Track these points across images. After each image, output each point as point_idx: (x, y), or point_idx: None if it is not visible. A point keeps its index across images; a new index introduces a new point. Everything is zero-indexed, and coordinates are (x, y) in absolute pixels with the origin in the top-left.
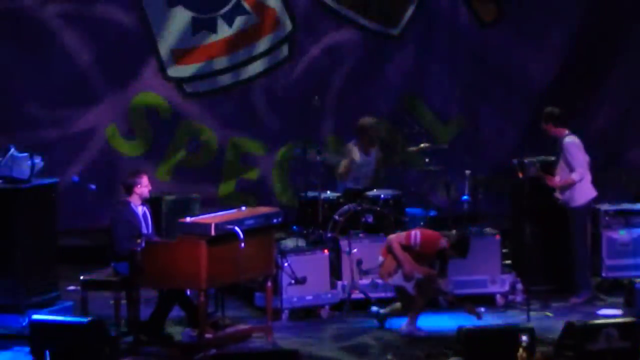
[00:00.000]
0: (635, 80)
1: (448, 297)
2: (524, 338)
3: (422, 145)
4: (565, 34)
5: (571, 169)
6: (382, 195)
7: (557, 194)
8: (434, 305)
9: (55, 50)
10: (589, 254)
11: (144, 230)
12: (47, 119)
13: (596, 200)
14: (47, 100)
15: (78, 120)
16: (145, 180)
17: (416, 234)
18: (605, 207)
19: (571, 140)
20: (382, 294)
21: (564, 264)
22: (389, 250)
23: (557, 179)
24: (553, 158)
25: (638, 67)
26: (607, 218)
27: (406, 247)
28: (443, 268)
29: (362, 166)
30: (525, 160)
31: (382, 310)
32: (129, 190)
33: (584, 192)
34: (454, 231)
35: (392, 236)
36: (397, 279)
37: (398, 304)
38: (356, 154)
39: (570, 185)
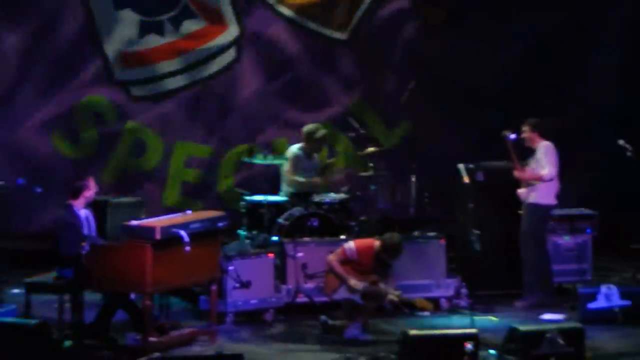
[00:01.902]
0: (583, 86)
1: (396, 296)
2: (469, 346)
3: (368, 149)
4: (515, 39)
5: (542, 167)
6: (327, 199)
7: (521, 190)
8: (378, 310)
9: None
10: (540, 259)
11: (86, 233)
12: None
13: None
14: None
15: (23, 123)
16: (92, 183)
17: (350, 245)
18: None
19: (548, 144)
20: (327, 299)
21: (509, 269)
22: (330, 270)
23: (526, 173)
24: (500, 163)
25: (588, 71)
26: (552, 223)
27: (345, 261)
28: (386, 272)
29: (306, 171)
30: (471, 165)
31: (330, 322)
32: (77, 194)
33: (546, 195)
34: (388, 234)
35: (329, 256)
36: (342, 293)
37: (346, 322)
38: (298, 158)
39: (536, 180)
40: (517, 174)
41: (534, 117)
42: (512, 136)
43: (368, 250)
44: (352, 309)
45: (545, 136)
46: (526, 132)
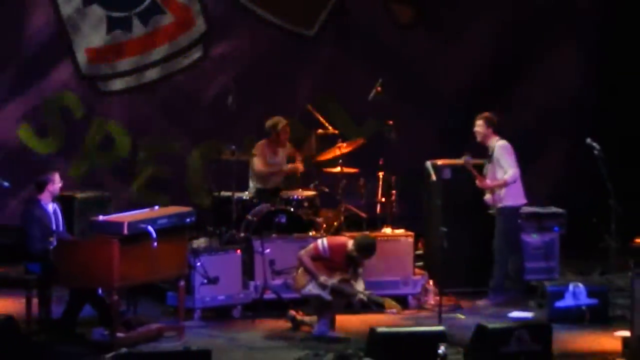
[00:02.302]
0: (551, 83)
1: (365, 295)
2: (442, 349)
3: (337, 146)
4: (483, 37)
5: (504, 171)
6: (295, 196)
7: (487, 197)
8: (346, 307)
9: None
10: (517, 259)
11: (54, 228)
12: None
13: None
14: None
15: None
16: (57, 177)
17: (323, 242)
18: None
19: (504, 143)
20: (294, 295)
21: (476, 266)
22: (300, 265)
23: (488, 182)
24: (461, 160)
25: (555, 68)
26: (519, 221)
27: (317, 258)
28: (355, 271)
29: (272, 165)
30: (440, 163)
31: (299, 317)
32: (41, 187)
33: (515, 195)
34: (361, 235)
35: (301, 252)
36: (311, 289)
37: (314, 319)
38: (265, 153)
39: (502, 186)
40: (479, 184)
41: (490, 112)
42: (471, 160)
43: (340, 248)
44: (320, 306)
45: (498, 132)
46: (480, 126)
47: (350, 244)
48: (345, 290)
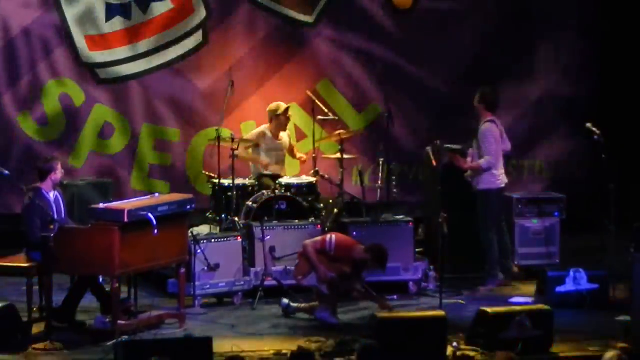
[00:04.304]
0: (552, 68)
1: (360, 292)
2: (455, 344)
3: (336, 132)
4: (482, 21)
5: (481, 156)
6: (295, 182)
7: (468, 176)
8: (345, 297)
9: None
10: (498, 242)
11: (55, 216)
12: None
13: (509, 188)
14: None
15: None
16: (59, 167)
17: (331, 238)
18: (518, 195)
19: (488, 127)
20: (295, 282)
21: (476, 252)
22: (303, 254)
23: (468, 161)
24: (459, 147)
25: (555, 52)
26: (520, 206)
27: (321, 251)
28: (358, 273)
29: (273, 150)
30: (439, 148)
31: (292, 304)
32: (44, 176)
33: (493, 179)
34: (372, 244)
35: (307, 241)
36: (310, 280)
37: (312, 304)
38: (266, 138)
39: (476, 170)
40: (457, 163)
41: (488, 87)
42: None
43: (347, 250)
44: (320, 295)
45: (490, 109)
46: (475, 101)
47: (360, 250)
48: (342, 286)
